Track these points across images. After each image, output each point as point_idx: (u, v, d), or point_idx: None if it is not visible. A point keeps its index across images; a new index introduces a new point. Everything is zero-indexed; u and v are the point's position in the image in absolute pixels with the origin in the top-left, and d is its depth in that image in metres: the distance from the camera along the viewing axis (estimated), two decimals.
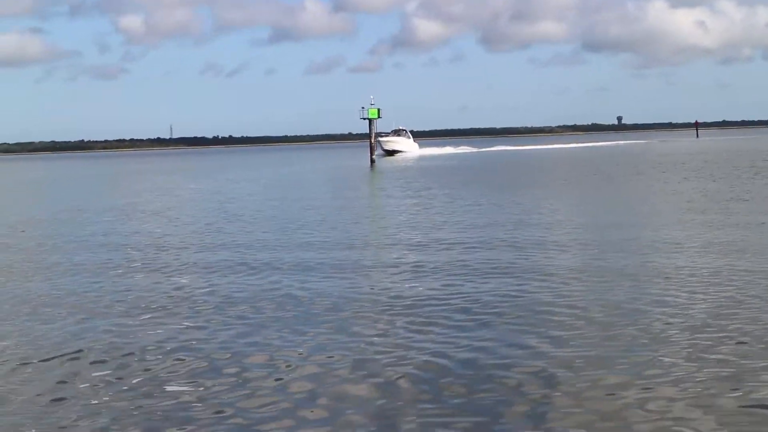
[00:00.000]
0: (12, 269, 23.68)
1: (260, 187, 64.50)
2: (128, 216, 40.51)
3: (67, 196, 62.08)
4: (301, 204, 44.04)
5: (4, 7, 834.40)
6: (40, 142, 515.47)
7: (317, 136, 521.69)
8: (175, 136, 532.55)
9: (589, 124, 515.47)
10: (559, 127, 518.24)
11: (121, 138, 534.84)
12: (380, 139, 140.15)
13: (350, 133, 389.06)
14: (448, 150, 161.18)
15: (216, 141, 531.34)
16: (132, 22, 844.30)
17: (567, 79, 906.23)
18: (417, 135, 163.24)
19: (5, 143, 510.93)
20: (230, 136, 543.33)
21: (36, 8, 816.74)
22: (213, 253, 25.55)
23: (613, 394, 10.85)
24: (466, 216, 34.02)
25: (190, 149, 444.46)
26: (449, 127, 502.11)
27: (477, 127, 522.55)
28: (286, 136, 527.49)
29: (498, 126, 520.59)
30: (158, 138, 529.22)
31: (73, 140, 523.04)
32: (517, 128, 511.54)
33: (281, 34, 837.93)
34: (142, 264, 23.65)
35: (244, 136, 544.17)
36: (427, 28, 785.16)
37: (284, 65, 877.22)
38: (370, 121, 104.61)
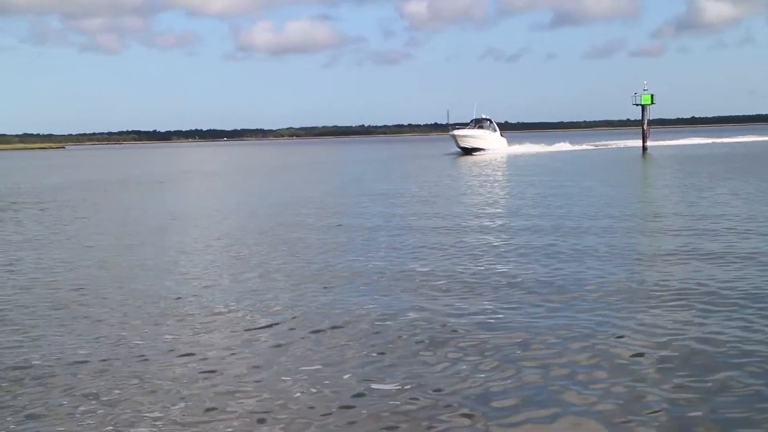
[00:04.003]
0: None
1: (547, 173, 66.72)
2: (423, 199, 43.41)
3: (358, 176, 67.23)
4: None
5: None
6: (323, 127, 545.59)
7: (594, 122, 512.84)
8: (452, 121, 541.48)
9: None
10: None
11: (400, 123, 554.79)
12: (455, 132, 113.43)
13: (628, 120, 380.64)
14: (563, 146, 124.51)
15: None
16: (416, 7, 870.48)
17: None
18: (696, 122, 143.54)
19: (291, 127, 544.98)
20: (506, 122, 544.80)
21: None
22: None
23: None
24: None
25: None
26: (736, 113, 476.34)
27: (763, 113, 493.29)
28: (561, 122, 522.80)
29: None
30: (435, 123, 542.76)
31: (354, 125, 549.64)
32: None
33: (563, 18, 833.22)
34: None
35: (520, 122, 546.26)
36: (714, 8, 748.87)
37: (564, 49, 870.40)
38: (643, 107, 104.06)
